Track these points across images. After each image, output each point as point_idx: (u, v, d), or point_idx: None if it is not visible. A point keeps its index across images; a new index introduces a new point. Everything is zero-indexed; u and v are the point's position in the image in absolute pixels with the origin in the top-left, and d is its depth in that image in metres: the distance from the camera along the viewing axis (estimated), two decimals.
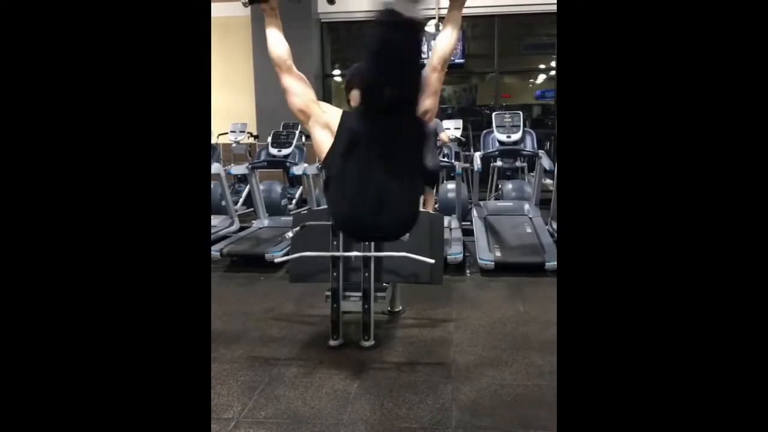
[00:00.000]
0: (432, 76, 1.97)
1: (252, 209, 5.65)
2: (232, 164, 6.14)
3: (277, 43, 2.03)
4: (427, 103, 1.95)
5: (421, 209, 4.59)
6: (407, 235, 2.41)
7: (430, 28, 8.22)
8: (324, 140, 2.04)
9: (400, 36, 1.61)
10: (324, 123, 2.05)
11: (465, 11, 2.01)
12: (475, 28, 8.50)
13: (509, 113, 5.54)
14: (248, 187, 5.77)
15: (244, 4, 2.07)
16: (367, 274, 2.83)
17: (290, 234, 2.94)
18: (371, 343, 2.83)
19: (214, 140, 6.71)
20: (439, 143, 4.87)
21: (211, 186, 5.88)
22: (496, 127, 5.45)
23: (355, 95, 2.03)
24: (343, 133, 2.00)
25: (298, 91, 2.04)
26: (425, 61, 1.89)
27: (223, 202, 5.46)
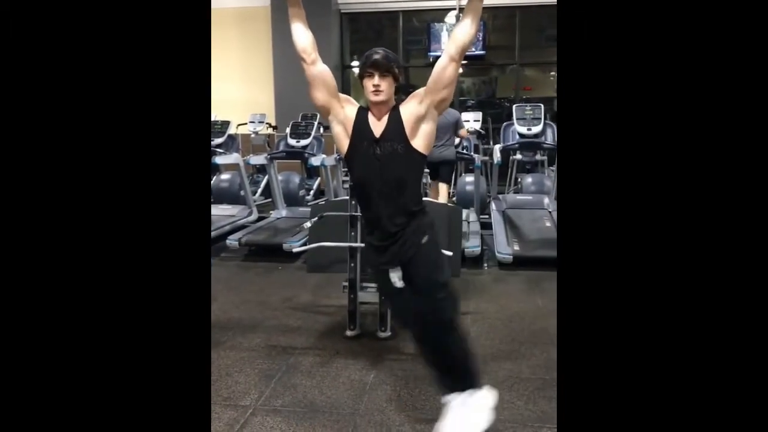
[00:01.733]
0: (448, 66, 1.94)
1: (270, 199, 5.68)
2: (251, 155, 6.17)
3: (301, 34, 2.02)
4: (444, 93, 1.94)
5: (439, 198, 4.58)
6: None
7: (450, 18, 8.16)
8: (340, 137, 2.05)
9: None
10: (341, 120, 2.04)
11: (486, 2, 1.98)
12: (496, 19, 8.42)
13: (530, 105, 5.47)
14: (267, 177, 5.80)
15: None
16: None
17: (308, 224, 2.95)
18: (388, 334, 2.83)
19: (233, 130, 6.74)
20: (458, 137, 4.82)
21: (230, 176, 5.93)
22: (517, 119, 5.39)
23: (366, 86, 2.02)
24: (354, 138, 2.01)
25: (321, 84, 2.03)
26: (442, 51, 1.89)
27: (242, 192, 5.50)
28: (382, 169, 1.95)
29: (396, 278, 1.91)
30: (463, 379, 1.92)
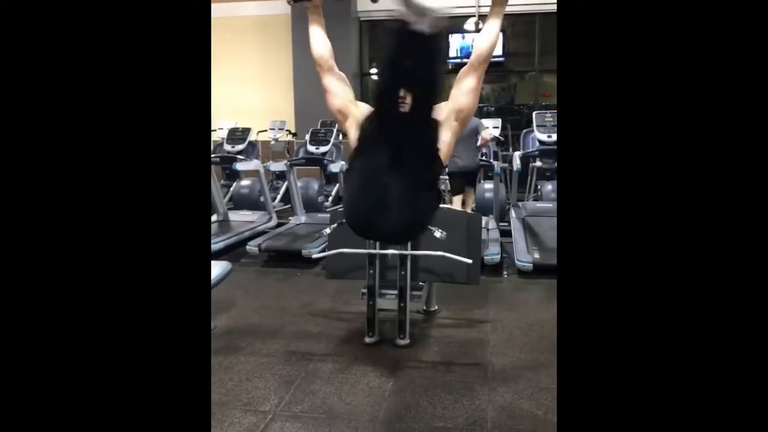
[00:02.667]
0: (470, 74, 1.95)
1: (289, 206, 5.72)
2: (271, 161, 6.22)
3: (319, 41, 2.04)
4: (463, 100, 1.93)
5: (460, 209, 4.57)
6: (441, 233, 2.40)
7: (468, 25, 8.16)
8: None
9: (408, 46, 1.56)
10: (360, 124, 2.06)
11: (506, 9, 1.98)
12: (515, 26, 8.39)
13: (550, 112, 5.44)
14: (286, 183, 5.84)
15: (288, 2, 2.09)
16: (403, 273, 2.83)
17: (327, 230, 2.96)
18: (407, 341, 2.83)
19: (253, 137, 6.81)
20: (480, 142, 4.81)
21: (250, 182, 5.99)
22: (537, 126, 5.36)
23: None
24: (361, 136, 2.01)
25: (338, 91, 2.05)
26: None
27: (262, 198, 5.55)
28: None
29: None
30: None
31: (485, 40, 1.94)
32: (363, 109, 2.09)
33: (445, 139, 1.95)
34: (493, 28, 1.94)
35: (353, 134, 2.07)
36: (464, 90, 1.92)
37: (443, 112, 1.93)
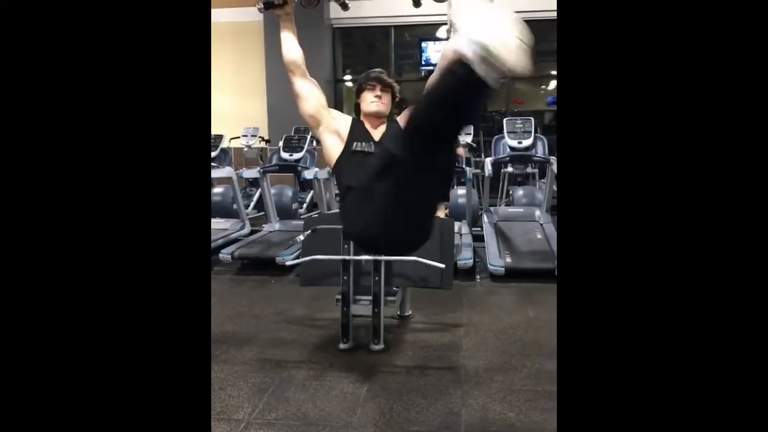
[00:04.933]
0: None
1: (263, 213, 5.68)
2: (244, 168, 6.18)
3: (291, 48, 2.06)
4: None
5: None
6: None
7: (441, 33, 8.25)
8: (333, 146, 2.08)
9: (467, 94, 1.37)
10: (334, 129, 2.08)
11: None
12: None
13: (521, 119, 5.52)
14: (259, 190, 5.81)
15: (260, 10, 2.10)
16: (377, 278, 2.84)
17: (301, 237, 2.96)
18: (381, 346, 2.84)
19: (225, 144, 6.76)
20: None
21: (223, 190, 5.94)
22: (507, 132, 5.44)
23: (366, 97, 2.06)
24: (352, 143, 2.02)
25: (310, 96, 2.07)
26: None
27: (235, 206, 5.50)
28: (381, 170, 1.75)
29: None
30: None
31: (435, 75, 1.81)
32: (337, 116, 2.11)
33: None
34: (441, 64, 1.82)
35: (329, 140, 2.08)
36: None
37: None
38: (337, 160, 2.06)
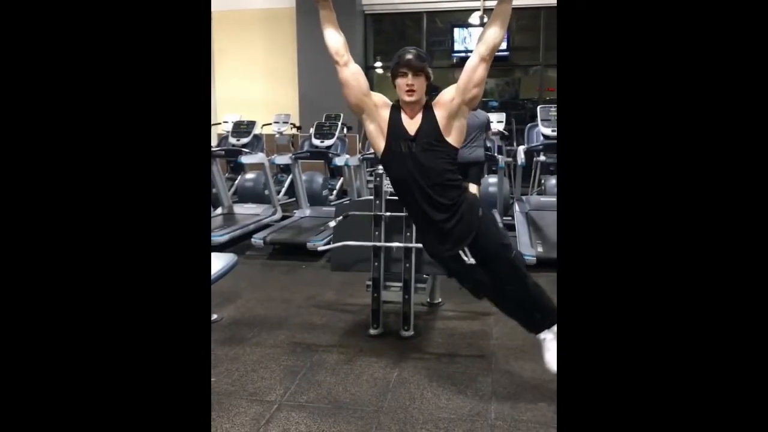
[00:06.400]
0: (479, 65, 1.99)
1: (294, 199, 5.73)
2: (276, 154, 6.23)
3: (333, 36, 2.07)
4: (474, 91, 2.02)
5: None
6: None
7: (473, 19, 8.14)
8: (375, 135, 2.13)
9: None
10: (375, 118, 2.11)
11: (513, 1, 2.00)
12: (520, 20, 8.36)
13: (554, 107, 5.43)
14: (291, 177, 5.85)
15: None
16: (408, 265, 2.84)
17: (333, 223, 2.98)
18: (411, 333, 2.85)
19: (258, 130, 6.82)
20: (488, 134, 4.84)
21: (255, 176, 6.00)
22: (541, 120, 5.36)
23: (400, 86, 2.05)
24: (390, 142, 2.11)
25: (354, 84, 2.09)
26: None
27: (267, 192, 5.56)
28: (419, 166, 2.02)
29: (466, 257, 2.10)
30: (550, 315, 2.06)
31: (494, 32, 1.97)
32: (379, 103, 2.12)
33: (460, 125, 2.05)
34: (501, 20, 1.97)
35: (371, 129, 2.11)
36: (476, 80, 2.00)
37: (455, 101, 2.01)
38: (382, 156, 2.14)
